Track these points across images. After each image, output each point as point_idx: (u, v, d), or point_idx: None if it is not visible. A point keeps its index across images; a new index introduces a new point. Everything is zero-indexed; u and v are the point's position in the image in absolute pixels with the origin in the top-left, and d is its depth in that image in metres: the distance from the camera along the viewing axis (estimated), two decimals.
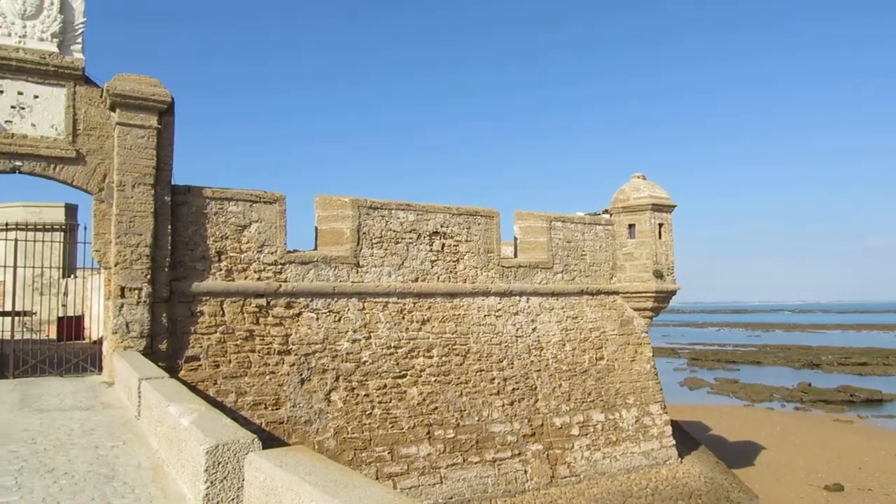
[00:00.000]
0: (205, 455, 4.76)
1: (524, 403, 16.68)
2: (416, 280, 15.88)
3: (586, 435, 17.41)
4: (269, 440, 12.82)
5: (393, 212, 15.76)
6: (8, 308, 25.47)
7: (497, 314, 16.96)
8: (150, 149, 13.02)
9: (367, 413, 14.63)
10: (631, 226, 19.86)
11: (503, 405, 16.34)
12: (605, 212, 20.47)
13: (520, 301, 17.46)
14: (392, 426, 14.79)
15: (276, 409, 13.85)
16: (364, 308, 15.12)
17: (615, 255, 19.86)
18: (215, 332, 13.59)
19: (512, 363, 16.84)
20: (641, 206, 19.67)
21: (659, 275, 19.43)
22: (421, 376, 15.46)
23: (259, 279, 14.13)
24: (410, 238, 15.92)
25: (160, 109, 13.14)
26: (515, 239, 18.58)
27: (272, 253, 14.32)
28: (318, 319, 14.55)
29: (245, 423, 13.01)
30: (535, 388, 17.01)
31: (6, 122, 12.36)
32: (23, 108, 12.51)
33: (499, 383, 16.44)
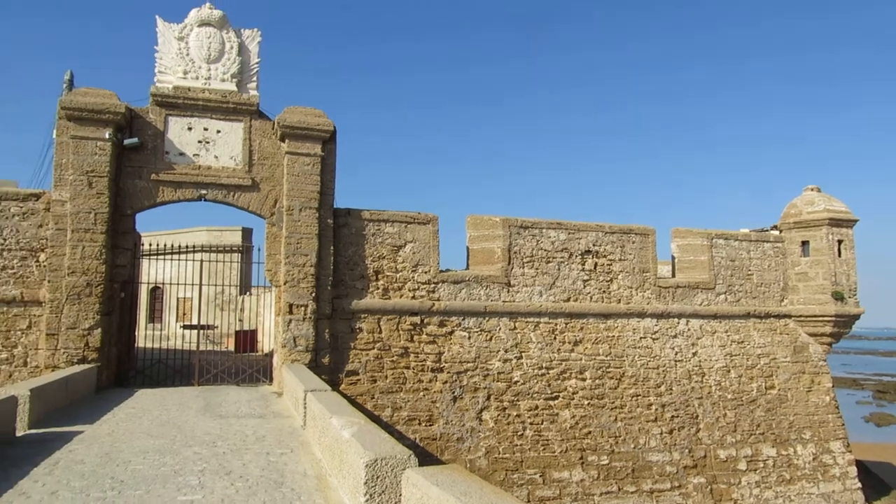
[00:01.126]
0: (364, 468, 4.92)
1: (684, 432, 15.76)
2: (568, 300, 15.60)
3: (755, 470, 16.09)
4: (423, 456, 13.08)
5: (543, 231, 15.64)
6: (194, 322, 28.24)
7: (654, 336, 16.22)
8: (315, 175, 13.92)
9: (519, 434, 14.51)
10: (804, 243, 18.25)
11: (661, 433, 15.54)
12: (774, 228, 18.98)
13: (678, 323, 16.58)
14: (544, 449, 14.56)
15: (430, 425, 14.13)
16: (515, 327, 15.08)
17: (786, 274, 18.32)
18: (373, 348, 14.16)
19: (671, 389, 16.00)
20: (817, 220, 18.03)
21: (839, 297, 17.65)
22: (573, 399, 15.11)
23: (413, 297, 14.56)
24: (562, 257, 15.70)
25: (324, 138, 14.03)
26: (673, 258, 17.72)
27: (426, 272, 14.71)
28: (469, 338, 14.71)
29: (400, 437, 13.38)
30: (697, 416, 16.03)
31: (194, 154, 13.77)
32: (208, 142, 13.88)
33: (656, 410, 15.67)
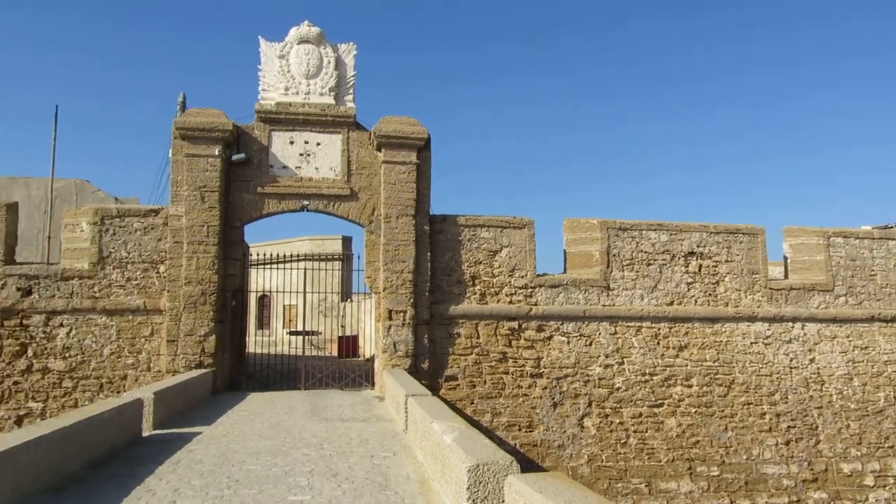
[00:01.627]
0: (467, 473, 4.93)
1: (802, 444, 14.84)
2: (671, 303, 15.06)
3: (884, 487, 14.92)
4: (524, 462, 12.97)
5: (644, 232, 15.19)
6: (299, 328, 29.34)
7: (766, 341, 15.38)
8: (411, 182, 14.16)
9: (622, 442, 14.13)
10: None
11: (777, 444, 14.69)
12: None
13: (793, 327, 15.65)
14: (649, 458, 14.11)
15: (530, 431, 14.01)
16: (616, 332, 14.71)
17: None
18: (471, 353, 14.20)
19: (786, 397, 15.11)
20: None
21: None
22: (679, 406, 14.55)
23: (510, 302, 14.50)
24: (664, 259, 15.19)
25: (418, 146, 14.26)
26: (785, 258, 16.75)
27: (522, 277, 14.62)
28: (568, 343, 14.49)
29: (500, 443, 13.33)
30: (816, 427, 15.05)
31: (296, 167, 14.33)
32: (308, 155, 14.41)
33: (771, 419, 14.84)
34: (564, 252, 15.32)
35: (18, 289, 13.11)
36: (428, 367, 13.89)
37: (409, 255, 13.94)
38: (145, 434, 9.14)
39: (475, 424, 12.68)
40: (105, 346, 13.25)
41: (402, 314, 13.80)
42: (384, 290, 13.90)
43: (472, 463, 4.99)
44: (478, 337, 14.28)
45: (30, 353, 13.03)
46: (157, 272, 13.57)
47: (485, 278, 14.53)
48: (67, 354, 13.12)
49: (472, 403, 14.01)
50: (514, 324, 14.42)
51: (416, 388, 10.34)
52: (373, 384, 14.79)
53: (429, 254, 14.18)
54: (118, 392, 12.88)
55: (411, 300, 13.85)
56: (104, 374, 13.19)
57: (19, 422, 12.72)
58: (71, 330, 13.19)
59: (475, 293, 14.46)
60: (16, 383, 12.90)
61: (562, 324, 14.55)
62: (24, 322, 13.08)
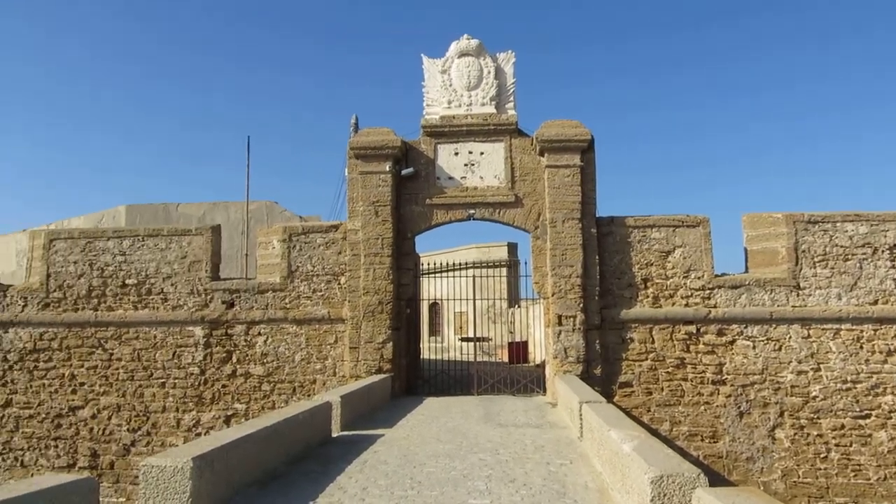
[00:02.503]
0: (650, 485, 4.76)
1: None
2: (876, 303, 13.51)
3: None
4: (709, 475, 12.25)
5: (837, 224, 13.78)
6: (469, 335, 29.96)
7: None
8: (576, 186, 13.97)
9: (822, 456, 12.89)
10: None
11: None
12: None
13: None
14: (855, 475, 12.74)
15: (714, 442, 13.21)
16: (809, 335, 13.46)
17: None
18: (646, 358, 13.69)
19: None
20: None
21: None
22: (891, 418, 13.00)
23: (686, 305, 13.80)
24: (864, 253, 13.67)
25: (582, 148, 14.04)
26: None
27: (699, 278, 13.86)
28: (754, 347, 13.49)
29: (682, 454, 12.68)
30: None
31: (461, 177, 14.70)
32: (472, 165, 14.73)
33: None
34: (745, 250, 14.31)
35: (223, 302, 14.65)
36: (600, 373, 13.59)
37: (576, 258, 13.75)
38: (334, 435, 9.79)
39: (653, 433, 12.20)
40: (296, 352, 14.40)
41: (571, 319, 13.63)
42: (553, 295, 13.81)
43: (656, 474, 4.80)
44: (652, 342, 13.74)
45: (234, 359, 14.49)
46: (339, 283, 14.53)
47: (657, 280, 13.96)
48: (265, 360, 14.42)
49: (649, 411, 13.48)
50: (692, 327, 13.69)
51: (589, 394, 10.16)
52: (544, 390, 14.73)
53: (597, 257, 13.90)
54: (308, 395, 13.93)
55: (581, 305, 13.64)
56: (296, 379, 14.33)
57: (227, 421, 14.17)
58: (267, 338, 14.48)
59: (647, 296, 13.93)
60: (224, 386, 14.39)
61: (745, 327, 13.59)
62: (229, 332, 14.57)
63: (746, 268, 14.23)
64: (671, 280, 13.93)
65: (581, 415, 9.04)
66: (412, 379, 15.65)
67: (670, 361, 13.63)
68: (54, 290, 15.05)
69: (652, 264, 14.00)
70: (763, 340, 13.50)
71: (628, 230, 14.12)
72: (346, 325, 14.23)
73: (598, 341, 13.71)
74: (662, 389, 13.54)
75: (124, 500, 13.99)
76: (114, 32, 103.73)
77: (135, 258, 14.91)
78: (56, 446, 14.51)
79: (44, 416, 14.64)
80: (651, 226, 14.11)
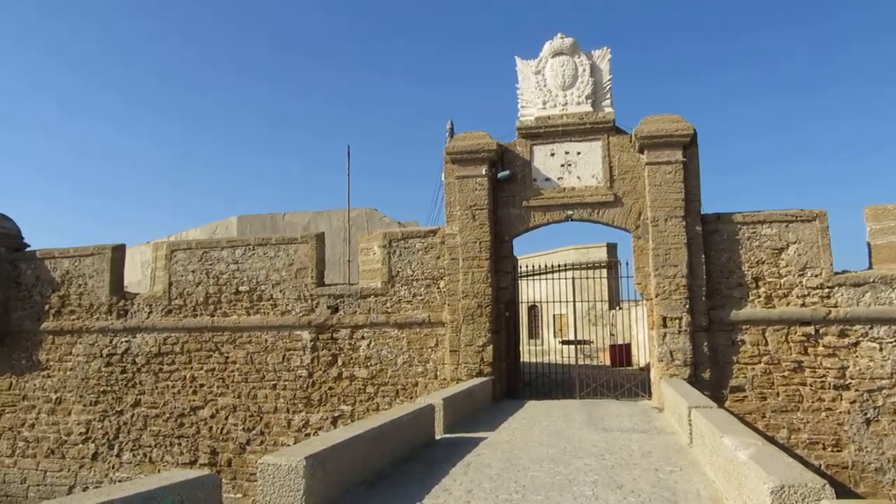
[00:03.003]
0: (769, 495, 4.53)
1: None
2: None
3: None
4: (833, 486, 11.51)
5: None
6: (569, 337, 29.54)
7: None
8: (678, 182, 13.49)
9: None
10: None
11: None
12: None
13: None
14: None
15: (837, 451, 12.39)
16: None
17: None
18: (759, 362, 13.03)
19: None
20: None
21: None
22: None
23: (803, 305, 13.03)
24: None
25: (684, 143, 13.55)
26: None
27: (816, 276, 13.05)
28: (881, 350, 12.55)
29: (802, 463, 11.99)
30: None
31: (558, 178, 14.54)
32: (569, 165, 14.54)
33: None
34: (868, 245, 13.35)
35: (328, 307, 15.17)
36: (709, 377, 13.04)
37: (680, 258, 13.28)
38: (437, 437, 9.91)
39: (770, 441, 11.59)
40: (398, 356, 14.69)
41: (677, 321, 13.18)
42: (656, 297, 13.40)
43: (776, 484, 4.56)
44: (766, 344, 13.06)
45: (339, 362, 14.96)
46: (438, 287, 14.71)
47: (769, 279, 13.26)
48: (369, 363, 14.81)
49: (764, 417, 12.82)
50: (809, 329, 12.91)
51: (698, 399, 9.78)
52: (649, 394, 14.30)
53: (703, 256, 13.36)
54: (411, 398, 14.18)
55: (686, 306, 13.15)
56: (398, 381, 14.63)
57: (334, 422, 14.65)
58: (370, 342, 14.87)
59: (759, 296, 13.26)
60: (330, 388, 14.89)
61: (871, 328, 12.67)
62: (334, 335, 15.07)
63: (870, 264, 13.28)
64: (785, 279, 13.20)
65: (691, 420, 8.72)
66: (512, 382, 15.60)
67: (786, 365, 12.90)
68: (175, 298, 16.10)
69: (763, 262, 13.32)
70: (892, 342, 12.53)
71: (736, 227, 13.49)
72: (446, 329, 14.38)
73: (706, 343, 13.17)
74: (778, 394, 12.84)
75: (241, 496, 14.74)
76: (217, 36, 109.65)
77: (246, 266, 15.71)
78: (179, 444, 15.49)
79: (168, 415, 15.67)
80: (761, 222, 13.42)
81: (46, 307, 17.14)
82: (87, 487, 15.46)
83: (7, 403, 16.91)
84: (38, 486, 16.03)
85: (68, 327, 16.78)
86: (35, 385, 16.80)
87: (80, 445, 16.07)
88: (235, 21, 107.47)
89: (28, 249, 17.98)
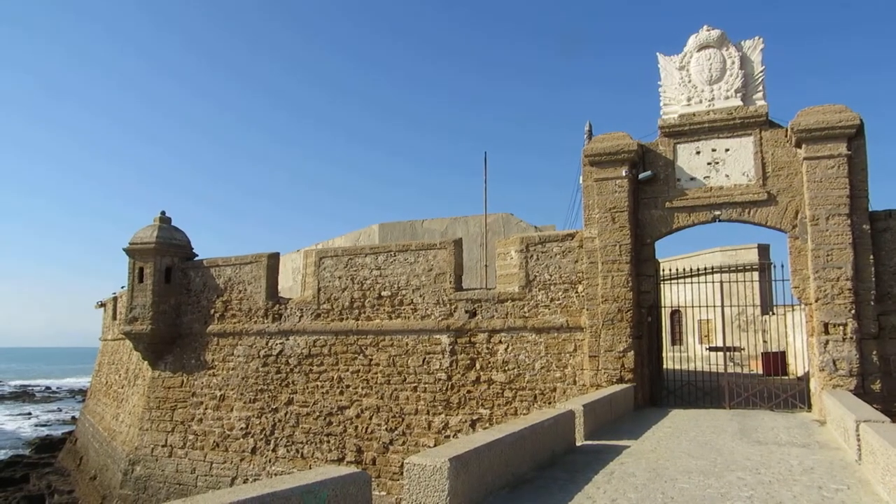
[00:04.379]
0: None
1: None
2: None
3: None
4: None
5: None
6: (716, 344, 28.01)
7: None
8: (842, 178, 12.43)
9: None
10: None
11: None
12: None
13: None
14: None
15: None
16: None
17: None
18: None
19: None
20: None
21: None
22: None
23: None
24: None
25: (848, 135, 12.47)
26: None
27: None
28: None
29: None
30: None
31: (704, 177, 13.87)
32: (716, 163, 13.82)
33: None
34: None
35: (466, 311, 15.41)
36: (879, 389, 11.89)
37: (845, 259, 12.21)
38: (578, 444, 9.77)
39: None
40: (536, 360, 14.64)
41: (841, 327, 12.12)
42: (816, 301, 12.40)
43: None
44: None
45: (477, 366, 15.15)
46: (576, 291, 14.50)
47: None
48: (506, 368, 14.87)
49: None
50: None
51: (868, 412, 8.94)
52: (808, 406, 13.26)
53: (871, 256, 12.21)
54: (549, 403, 14.07)
55: (852, 311, 12.06)
56: (536, 386, 14.56)
57: (473, 425, 14.84)
58: (508, 346, 14.93)
59: None
60: (468, 392, 15.11)
61: None
62: (472, 339, 15.28)
63: None
64: None
65: (859, 435, 8.00)
66: (655, 389, 15.04)
67: None
68: (324, 302, 17.04)
69: None
70: None
71: None
72: (585, 334, 14.14)
73: (875, 352, 12.01)
74: None
75: (385, 493, 15.29)
76: (364, 42, 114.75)
77: (388, 272, 16.32)
78: (328, 441, 16.35)
79: (318, 413, 16.59)
80: None
81: (212, 311, 18.75)
82: (247, 479, 16.72)
83: (179, 399, 18.66)
84: (205, 476, 17.53)
85: (230, 330, 18.26)
86: (202, 383, 18.42)
87: (241, 440, 17.40)
88: (380, 27, 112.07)
89: (196, 259, 19.78)
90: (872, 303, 12.12)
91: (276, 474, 16.12)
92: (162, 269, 19.08)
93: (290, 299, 18.09)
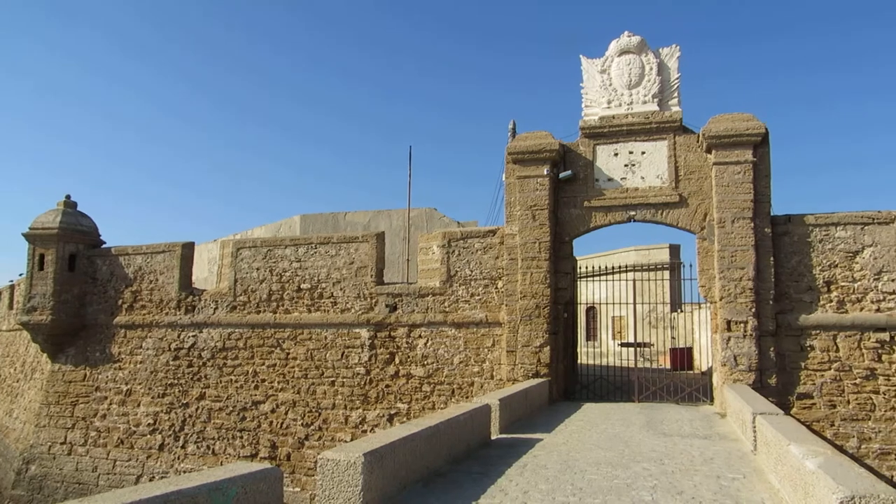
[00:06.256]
0: None
1: None
2: None
3: None
4: None
5: None
6: (628, 340, 29.04)
7: None
8: (747, 183, 13.09)
9: None
10: None
11: None
12: None
13: None
14: None
15: None
16: None
17: None
18: (829, 368, 12.53)
19: None
20: None
21: None
22: None
23: (878, 310, 12.46)
24: None
25: (754, 142, 13.14)
26: None
27: (892, 280, 12.46)
28: None
29: (873, 473, 11.48)
30: None
31: (621, 178, 14.31)
32: (633, 165, 14.29)
33: None
34: None
35: (387, 305, 15.34)
36: (776, 384, 12.62)
37: (747, 260, 12.88)
38: (493, 437, 9.90)
39: (839, 450, 11.13)
40: (455, 355, 14.74)
41: (742, 325, 12.79)
42: (721, 300, 13.04)
43: (846, 494, 4.38)
44: (836, 350, 12.54)
45: (397, 360, 15.12)
46: (496, 287, 14.69)
47: (842, 283, 12.72)
48: (425, 362, 14.90)
49: (833, 426, 12.32)
50: (884, 335, 12.33)
51: (764, 405, 9.47)
52: (711, 399, 13.94)
53: (772, 258, 12.93)
54: (467, 397, 14.21)
55: (753, 309, 12.75)
56: (455, 381, 14.67)
57: (390, 420, 14.81)
58: (427, 341, 14.97)
59: (830, 300, 12.75)
60: (387, 386, 15.06)
61: None
62: (392, 334, 15.23)
63: None
64: (859, 283, 12.64)
65: (755, 427, 8.46)
66: (570, 384, 15.45)
67: (858, 372, 12.36)
68: (240, 294, 16.58)
69: (836, 266, 12.79)
70: None
71: (808, 229, 13.01)
72: (504, 329, 14.35)
73: (772, 349, 12.75)
74: (849, 402, 12.31)
75: (299, 489, 15.06)
76: (288, 31, 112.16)
77: (308, 264, 16.05)
78: (241, 437, 15.95)
79: (231, 408, 16.15)
80: (835, 224, 12.90)
81: (119, 302, 17.92)
82: (153, 477, 16.10)
83: (81, 394, 17.75)
84: (108, 474, 16.76)
85: (139, 321, 17.51)
86: (107, 377, 17.58)
87: (148, 436, 16.74)
88: (306, 18, 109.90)
89: (104, 246, 18.84)
90: (771, 302, 12.85)
91: (185, 472, 15.59)
92: (65, 256, 18.07)
93: (204, 291, 17.51)
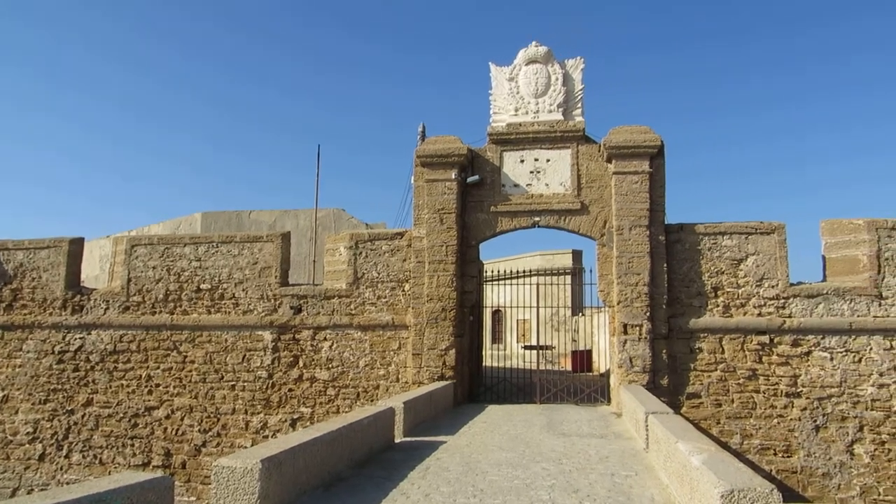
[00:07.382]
0: (720, 499, 4.62)
1: None
2: None
3: None
4: (782, 490, 11.76)
5: None
6: (532, 343, 29.71)
7: None
8: (644, 192, 13.70)
9: None
10: None
11: None
12: None
13: None
14: None
15: (788, 456, 12.69)
16: (892, 347, 12.79)
17: None
18: (715, 369, 13.29)
19: None
20: None
21: None
22: None
23: (759, 315, 13.33)
24: None
25: (651, 154, 13.77)
26: None
27: (772, 287, 13.37)
28: (832, 359, 12.90)
29: (753, 468, 12.23)
30: None
31: (527, 185, 14.64)
32: (538, 172, 14.65)
33: None
34: (823, 258, 13.73)
35: (291, 307, 15.02)
36: (667, 384, 13.26)
37: (643, 266, 13.48)
38: (397, 440, 9.88)
39: (723, 446, 11.81)
40: (360, 358, 14.61)
41: (637, 328, 13.36)
42: (618, 304, 13.57)
43: (726, 488, 4.66)
44: (722, 352, 13.32)
45: (301, 363, 14.82)
46: (403, 290, 14.68)
47: (728, 289, 13.53)
48: (330, 365, 14.69)
49: (718, 423, 13.07)
50: (765, 338, 13.21)
51: (656, 405, 9.93)
52: (608, 400, 14.47)
53: (665, 265, 13.59)
54: (372, 401, 14.11)
55: (647, 314, 13.35)
56: (360, 384, 14.54)
57: (293, 424, 14.49)
58: (333, 343, 14.76)
59: (718, 305, 13.53)
60: (290, 390, 14.74)
61: (822, 338, 13.02)
62: (296, 336, 14.92)
63: (825, 276, 13.65)
64: (743, 289, 13.49)
65: (647, 426, 8.84)
66: (474, 386, 15.64)
67: (741, 372, 13.18)
68: (134, 294, 15.77)
69: (723, 272, 13.59)
70: (842, 352, 12.90)
71: (698, 237, 13.75)
72: (410, 332, 14.35)
73: (665, 351, 13.39)
74: (733, 401, 13.10)
75: (195, 499, 14.48)
76: (189, 28, 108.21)
77: (209, 264, 15.47)
78: (132, 445, 15.16)
79: (121, 415, 15.33)
80: (722, 233, 13.71)
81: None
82: (31, 490, 15.05)
83: None
84: None
85: (20, 322, 16.32)
86: None
87: (27, 446, 15.63)
88: (210, 15, 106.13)
89: None
90: (664, 306, 13.49)
91: (67, 483, 14.65)
92: None
93: (94, 290, 16.54)
